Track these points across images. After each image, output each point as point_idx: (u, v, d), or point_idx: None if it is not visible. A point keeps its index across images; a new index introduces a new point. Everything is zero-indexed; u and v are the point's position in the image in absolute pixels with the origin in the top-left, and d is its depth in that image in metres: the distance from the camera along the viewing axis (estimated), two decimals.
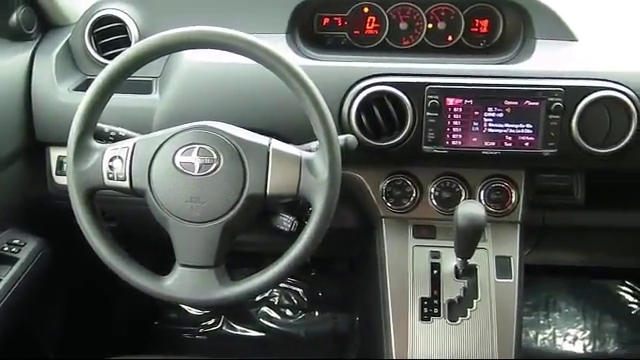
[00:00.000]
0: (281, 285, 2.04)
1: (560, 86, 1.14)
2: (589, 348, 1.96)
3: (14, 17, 1.29)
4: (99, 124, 1.03)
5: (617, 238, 1.42)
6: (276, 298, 2.04)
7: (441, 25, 1.35)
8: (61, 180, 1.31)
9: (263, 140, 0.99)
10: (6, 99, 1.25)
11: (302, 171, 0.97)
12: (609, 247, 1.51)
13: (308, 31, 1.35)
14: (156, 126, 1.18)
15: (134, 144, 1.00)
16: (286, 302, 2.04)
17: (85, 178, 0.99)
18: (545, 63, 1.20)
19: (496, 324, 1.17)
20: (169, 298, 1.00)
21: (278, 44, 1.24)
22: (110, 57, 1.30)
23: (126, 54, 0.97)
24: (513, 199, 1.23)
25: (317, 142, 0.98)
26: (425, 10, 1.35)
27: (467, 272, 1.19)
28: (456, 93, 1.15)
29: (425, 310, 1.18)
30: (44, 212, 1.34)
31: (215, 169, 0.96)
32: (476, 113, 1.15)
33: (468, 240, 1.10)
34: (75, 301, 1.72)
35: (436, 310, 1.18)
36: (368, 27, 1.37)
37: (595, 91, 1.13)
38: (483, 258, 1.21)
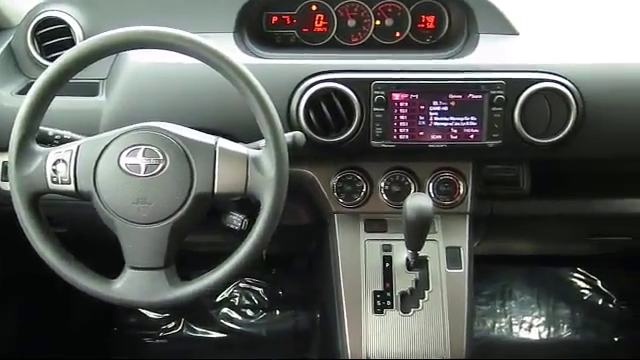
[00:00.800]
0: (241, 285, 2.04)
1: (502, 79, 1.16)
2: (544, 334, 2.02)
3: None
4: (43, 127, 1.02)
5: (564, 226, 1.46)
6: (237, 298, 2.04)
7: (389, 22, 1.37)
8: (6, 186, 1.29)
9: (210, 139, 1.00)
10: None
11: (249, 169, 0.98)
12: (557, 235, 1.55)
13: (257, 30, 1.36)
14: (103, 128, 1.16)
15: (78, 147, 0.99)
16: (247, 302, 2.04)
17: (28, 182, 0.97)
18: (487, 57, 1.22)
19: (447, 314, 1.19)
20: (119, 301, 1.00)
21: (225, 43, 1.24)
22: (54, 59, 1.27)
23: (67, 55, 0.96)
24: (461, 191, 1.26)
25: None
26: (372, 7, 1.36)
27: (418, 264, 1.21)
28: (401, 88, 1.17)
29: (378, 303, 1.19)
30: None
31: (161, 170, 0.96)
32: (422, 107, 1.18)
33: (417, 232, 1.11)
34: (30, 309, 1.69)
35: (389, 303, 1.19)
36: (317, 25, 1.38)
37: (535, 83, 1.17)
38: (433, 249, 1.23)
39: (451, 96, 1.17)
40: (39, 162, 0.97)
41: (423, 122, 1.18)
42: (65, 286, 1.00)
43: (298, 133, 1.08)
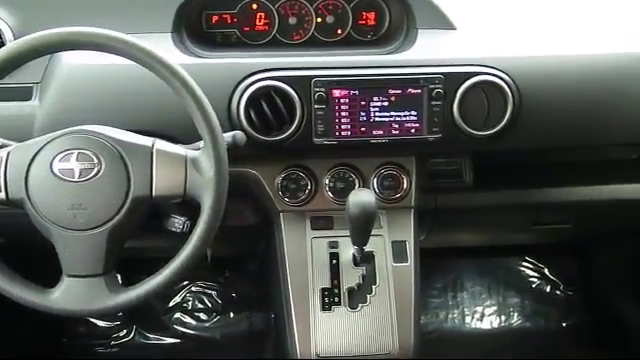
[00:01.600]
0: (193, 289, 2.02)
1: (440, 73, 1.18)
2: (495, 323, 2.06)
3: None
4: None
5: (507, 216, 1.50)
6: (189, 303, 2.02)
7: (330, 19, 1.37)
8: None
9: (146, 141, 0.98)
10: None
11: (188, 170, 0.96)
12: (501, 225, 1.58)
13: (197, 29, 1.34)
14: (37, 133, 1.12)
15: (8, 153, 0.95)
16: (200, 306, 2.01)
17: None
18: (426, 52, 1.24)
19: (395, 308, 1.20)
20: (57, 311, 0.97)
21: (162, 44, 1.22)
22: None
23: None
24: (405, 185, 1.27)
25: None
26: (313, 5, 1.36)
27: (365, 259, 1.22)
28: (341, 84, 1.17)
29: (326, 300, 1.20)
30: None
31: (96, 174, 0.94)
32: (362, 103, 1.18)
33: (361, 227, 1.12)
34: None
35: (337, 299, 1.20)
36: (258, 23, 1.37)
37: (472, 76, 1.19)
38: (379, 244, 1.24)
39: (391, 91, 1.18)
40: None
41: (364, 118, 1.19)
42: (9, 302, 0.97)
43: (238, 132, 1.07)
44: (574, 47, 1.29)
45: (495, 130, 1.21)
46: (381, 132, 1.19)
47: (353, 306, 1.20)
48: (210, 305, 2.02)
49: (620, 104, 1.26)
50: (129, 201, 0.95)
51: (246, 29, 1.37)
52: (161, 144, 0.98)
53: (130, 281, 1.00)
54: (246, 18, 1.36)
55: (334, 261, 1.23)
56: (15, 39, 1.23)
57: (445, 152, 1.29)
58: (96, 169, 0.94)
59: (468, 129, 1.20)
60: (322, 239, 1.24)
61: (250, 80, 1.16)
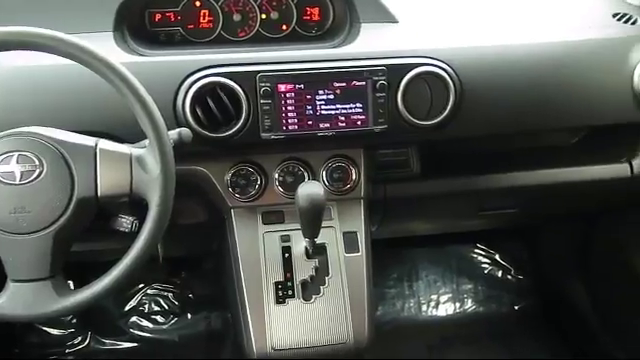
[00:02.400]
0: (149, 292, 1.99)
1: (383, 65, 1.20)
2: (450, 310, 2.11)
3: None
4: None
5: (455, 203, 1.53)
6: (146, 306, 1.99)
7: (274, 15, 1.37)
8: None
9: (89, 141, 0.97)
10: None
11: (133, 168, 0.96)
12: (451, 212, 1.62)
13: (139, 28, 1.32)
14: None
15: None
16: (156, 308, 1.99)
17: None
18: (369, 45, 1.26)
19: (348, 297, 1.21)
20: (3, 317, 0.95)
21: (104, 43, 1.20)
22: None
23: None
24: (354, 176, 1.28)
25: None
26: (257, 1, 1.36)
27: (317, 251, 1.23)
28: (287, 79, 1.18)
29: (280, 293, 1.20)
30: None
31: (38, 176, 0.92)
32: (308, 97, 1.19)
33: (311, 220, 1.13)
34: None
35: (290, 292, 1.21)
36: (202, 21, 1.36)
37: (415, 68, 1.21)
38: (331, 236, 1.25)
39: (336, 84, 1.19)
40: None
41: (311, 111, 1.20)
42: None
43: (184, 129, 1.06)
44: (513, 37, 1.33)
45: (439, 120, 1.24)
46: (328, 125, 1.21)
47: (307, 298, 1.21)
48: (167, 307, 1.99)
49: (556, 91, 1.31)
50: (74, 202, 0.93)
51: (190, 27, 1.36)
52: (105, 143, 0.97)
53: (83, 286, 0.98)
54: (190, 16, 1.35)
55: (286, 255, 1.23)
56: None
57: (392, 143, 1.31)
58: (38, 171, 0.92)
59: (412, 119, 1.22)
60: (274, 233, 1.25)
61: (195, 77, 1.16)
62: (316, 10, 1.39)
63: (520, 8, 1.44)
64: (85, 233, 0.99)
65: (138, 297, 1.99)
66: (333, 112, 1.20)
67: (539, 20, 1.39)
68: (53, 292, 0.94)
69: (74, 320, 1.92)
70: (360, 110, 1.21)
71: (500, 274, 2.17)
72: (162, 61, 1.20)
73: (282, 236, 1.25)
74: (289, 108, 1.19)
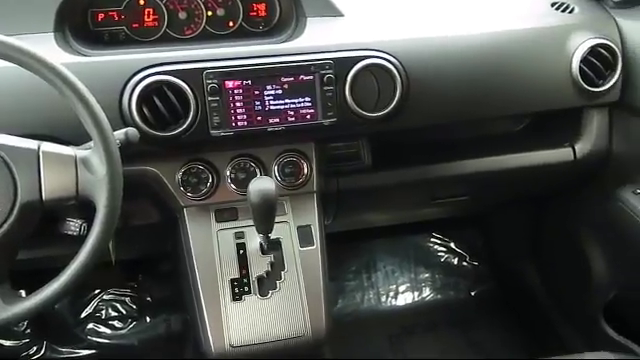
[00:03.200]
0: (105, 297, 1.95)
1: (330, 59, 1.21)
2: (409, 299, 2.14)
3: None
4: None
5: (408, 193, 1.56)
6: (102, 311, 1.95)
7: (220, 12, 1.36)
8: None
9: (31, 144, 0.94)
10: None
11: (78, 170, 0.94)
12: (404, 203, 1.65)
13: (82, 28, 1.30)
14: None
15: None
16: (114, 314, 1.96)
17: None
18: (315, 39, 1.26)
19: (305, 291, 1.22)
20: None
21: (45, 44, 1.17)
22: None
23: None
24: (306, 171, 1.29)
25: None
26: None
27: (272, 246, 1.24)
28: (234, 75, 1.18)
29: (236, 290, 1.20)
30: None
31: None
32: (256, 92, 1.19)
33: (264, 215, 1.13)
34: None
35: (247, 288, 1.21)
36: (147, 19, 1.35)
37: (361, 60, 1.22)
38: (285, 230, 1.26)
39: (283, 79, 1.20)
40: None
41: (259, 107, 1.20)
42: None
43: (131, 129, 1.05)
44: (456, 28, 1.35)
45: (387, 111, 1.25)
46: (277, 120, 1.21)
47: (263, 293, 1.21)
48: (125, 312, 1.96)
49: (499, 80, 1.34)
50: (17, 207, 0.91)
51: (135, 26, 1.34)
52: (48, 146, 0.95)
53: None
54: (134, 15, 1.33)
55: (241, 251, 1.23)
56: None
57: (342, 135, 1.33)
58: None
59: (361, 112, 1.24)
60: (228, 231, 1.25)
61: (140, 76, 1.15)
62: (262, 6, 1.39)
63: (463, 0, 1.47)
64: (33, 239, 0.97)
65: (94, 303, 1.95)
66: (282, 107, 1.21)
67: (481, 11, 1.42)
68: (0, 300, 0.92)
69: (28, 330, 1.87)
70: (309, 104, 1.21)
71: (456, 261, 2.21)
72: (106, 61, 1.18)
73: (236, 233, 1.25)
74: (237, 104, 1.19)
